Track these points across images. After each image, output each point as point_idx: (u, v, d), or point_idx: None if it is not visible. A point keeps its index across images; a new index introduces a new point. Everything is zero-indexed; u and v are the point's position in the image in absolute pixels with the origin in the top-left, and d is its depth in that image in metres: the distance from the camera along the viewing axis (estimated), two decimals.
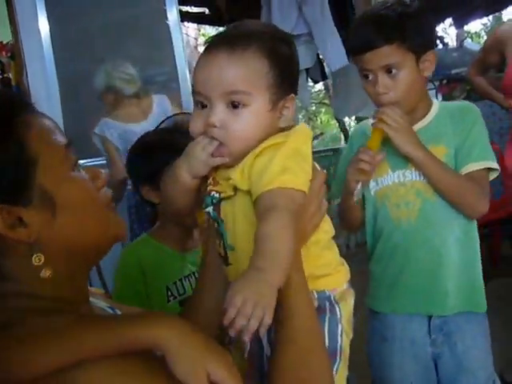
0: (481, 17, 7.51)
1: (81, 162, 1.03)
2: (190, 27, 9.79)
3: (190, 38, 9.41)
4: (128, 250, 1.86)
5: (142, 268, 1.73)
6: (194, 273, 1.75)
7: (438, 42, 5.06)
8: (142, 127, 3.40)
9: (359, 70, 1.71)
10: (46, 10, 3.62)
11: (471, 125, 1.67)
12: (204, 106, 1.02)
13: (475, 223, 1.73)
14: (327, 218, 1.12)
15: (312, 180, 1.02)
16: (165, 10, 3.88)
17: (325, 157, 6.80)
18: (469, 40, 10.93)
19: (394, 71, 1.61)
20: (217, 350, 0.85)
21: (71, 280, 0.99)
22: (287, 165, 0.97)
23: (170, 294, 1.73)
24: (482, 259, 1.77)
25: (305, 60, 5.46)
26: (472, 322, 1.72)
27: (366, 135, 1.74)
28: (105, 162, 3.37)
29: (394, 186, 1.71)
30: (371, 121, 1.73)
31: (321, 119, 15.21)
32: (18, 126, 0.91)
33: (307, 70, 5.83)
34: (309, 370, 0.97)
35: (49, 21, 3.62)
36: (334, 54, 5.12)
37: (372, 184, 1.74)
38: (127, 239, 2.31)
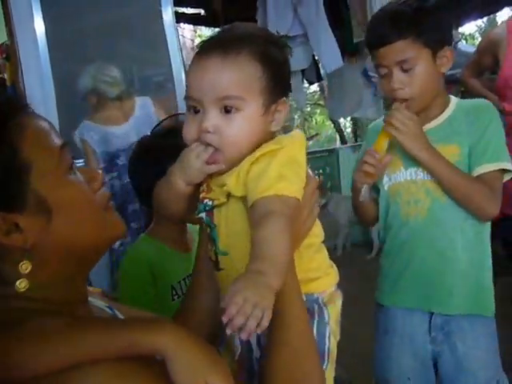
0: (475, 19, 7.52)
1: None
2: (186, 28, 9.78)
3: (186, 39, 9.40)
4: (135, 250, 1.84)
5: (151, 269, 1.72)
6: None
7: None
8: (122, 130, 3.43)
9: (375, 67, 1.70)
10: (42, 11, 3.61)
11: (486, 124, 1.65)
12: (197, 111, 1.02)
13: (487, 225, 1.71)
14: (318, 223, 1.13)
15: (305, 186, 1.02)
16: (160, 11, 3.89)
17: (320, 157, 6.81)
18: (463, 42, 10.99)
19: (409, 66, 1.60)
20: (217, 361, 0.86)
21: (70, 282, 0.99)
22: (283, 172, 0.97)
23: (174, 293, 1.73)
24: None
25: (300, 61, 5.48)
26: (475, 323, 1.71)
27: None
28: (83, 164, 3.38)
29: (405, 183, 1.71)
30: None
31: (316, 120, 15.23)
32: (12, 130, 0.90)
33: (303, 71, 5.85)
34: (301, 372, 0.98)
35: (44, 21, 3.61)
36: (329, 56, 5.14)
37: (385, 179, 1.75)
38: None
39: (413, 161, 1.68)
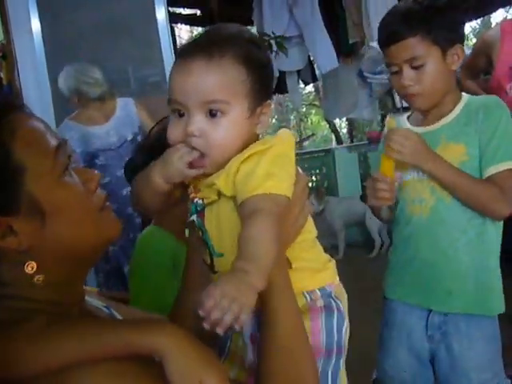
0: (469, 20, 7.55)
1: None
2: (183, 29, 9.79)
3: (182, 39, 9.39)
4: (157, 239, 1.84)
5: (174, 260, 1.73)
6: None
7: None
8: (103, 130, 3.45)
9: (386, 65, 1.72)
10: (38, 10, 3.62)
11: (497, 122, 1.63)
12: (181, 115, 1.01)
13: (493, 226, 1.69)
14: (310, 219, 1.13)
15: (295, 184, 1.02)
16: (154, 10, 3.90)
17: (317, 157, 6.82)
18: None
19: (418, 64, 1.61)
20: (212, 361, 0.87)
21: (67, 283, 0.99)
22: (272, 171, 0.97)
23: None
24: None
25: (296, 62, 5.50)
26: (473, 325, 1.70)
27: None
28: None
29: (412, 181, 1.71)
30: (404, 117, 1.77)
31: (311, 120, 15.25)
32: (4, 131, 0.90)
33: (298, 71, 5.87)
34: (296, 372, 0.98)
35: (40, 21, 3.63)
36: (325, 57, 5.15)
37: (397, 175, 1.74)
38: None
39: None
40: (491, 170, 1.61)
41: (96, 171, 1.05)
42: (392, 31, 1.64)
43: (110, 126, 3.46)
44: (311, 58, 5.84)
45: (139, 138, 3.52)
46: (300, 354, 1.00)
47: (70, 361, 0.82)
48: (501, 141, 1.62)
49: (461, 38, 1.69)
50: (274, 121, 14.37)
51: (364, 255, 5.78)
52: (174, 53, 4.16)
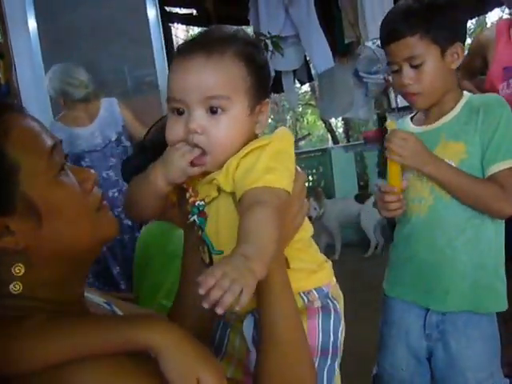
0: None
1: None
2: (179, 29, 9.77)
3: (178, 39, 9.39)
4: (166, 228, 1.84)
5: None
6: None
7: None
8: (87, 131, 3.46)
9: (388, 63, 1.72)
10: (35, 10, 3.63)
11: (498, 121, 1.62)
12: (180, 113, 1.01)
13: (492, 225, 1.69)
14: (305, 218, 1.13)
15: (294, 181, 1.01)
16: (145, 9, 3.91)
17: (313, 157, 6.83)
18: None
19: (417, 62, 1.61)
20: (209, 359, 0.87)
21: (65, 282, 0.99)
22: (272, 165, 0.97)
23: None
24: None
25: (292, 61, 5.50)
26: (472, 324, 1.70)
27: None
28: None
29: (413, 179, 1.72)
30: (408, 119, 1.79)
31: (307, 120, 15.24)
32: None
33: (294, 71, 5.87)
34: (293, 374, 0.99)
35: (37, 20, 3.64)
36: (320, 56, 5.15)
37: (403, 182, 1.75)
38: None
39: None
40: (493, 169, 1.61)
41: (92, 170, 1.05)
42: (392, 29, 1.64)
43: (95, 127, 3.48)
44: (307, 58, 5.84)
45: (123, 138, 3.54)
46: (298, 354, 1.00)
47: (68, 357, 0.82)
48: (502, 139, 1.61)
49: (462, 37, 1.68)
50: (270, 120, 14.36)
51: (359, 255, 5.79)
52: (169, 52, 4.17)
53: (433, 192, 1.68)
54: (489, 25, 9.85)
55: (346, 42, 5.48)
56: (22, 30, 3.58)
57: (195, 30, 11.91)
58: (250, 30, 5.45)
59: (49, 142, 0.95)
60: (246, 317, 1.08)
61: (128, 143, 3.56)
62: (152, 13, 3.90)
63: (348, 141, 11.60)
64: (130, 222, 3.41)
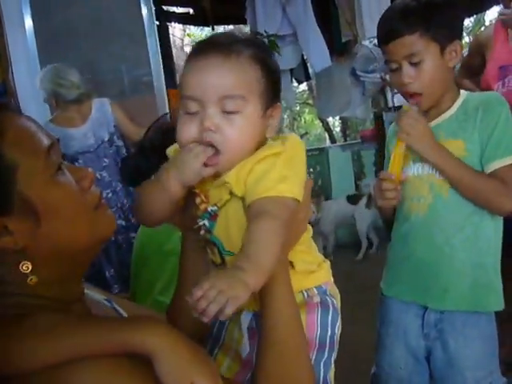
0: None
1: None
2: (176, 28, 9.77)
3: (175, 38, 9.39)
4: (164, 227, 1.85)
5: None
6: None
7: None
8: (80, 132, 3.47)
9: (386, 62, 1.71)
10: (31, 8, 3.63)
11: (497, 118, 1.63)
12: (193, 113, 1.01)
13: (491, 223, 1.69)
14: None
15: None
16: (139, 7, 3.91)
17: (311, 156, 6.81)
18: None
19: (417, 60, 1.61)
20: (204, 362, 0.88)
21: (65, 281, 0.99)
22: (285, 173, 0.98)
23: None
24: None
25: (290, 60, 5.50)
26: (470, 323, 1.70)
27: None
28: None
29: (412, 178, 1.72)
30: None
31: (305, 119, 15.22)
32: None
33: (291, 70, 5.86)
34: (290, 375, 1.00)
35: (33, 19, 3.64)
36: (318, 55, 5.15)
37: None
38: None
39: None
40: (493, 166, 1.62)
41: (90, 169, 1.05)
42: (391, 28, 1.64)
43: (87, 128, 3.49)
44: (304, 57, 5.84)
45: (115, 138, 3.54)
46: (298, 356, 1.01)
47: (67, 358, 0.82)
48: (501, 136, 1.62)
49: (460, 34, 1.69)
50: None
51: (352, 256, 5.80)
52: (166, 51, 4.18)
53: (432, 190, 1.68)
54: (487, 23, 9.85)
55: (343, 40, 5.49)
56: (18, 30, 3.57)
57: (192, 29, 11.92)
58: (247, 29, 5.45)
59: (45, 142, 0.95)
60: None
61: (120, 143, 3.57)
62: (145, 11, 3.90)
63: (345, 140, 11.59)
64: (123, 223, 3.41)
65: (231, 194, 1.02)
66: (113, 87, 4.08)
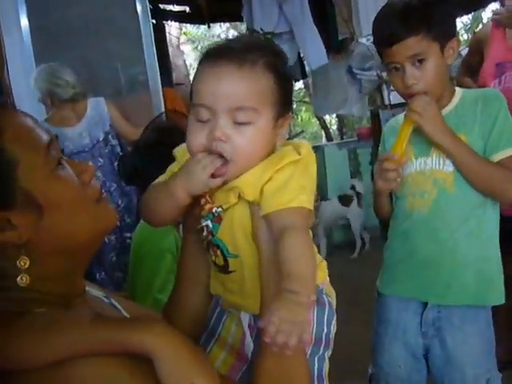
0: (460, 15, 7.56)
1: None
2: (173, 26, 9.75)
3: (172, 36, 9.37)
4: (159, 236, 1.88)
5: (176, 246, 1.80)
6: None
7: None
8: (75, 131, 3.46)
9: (385, 63, 1.70)
10: (27, 7, 3.62)
11: (497, 112, 1.65)
12: (204, 121, 1.00)
13: (493, 214, 1.71)
14: None
15: None
16: (135, 7, 3.91)
17: None
18: None
19: (421, 61, 1.61)
20: (204, 363, 0.88)
21: (66, 275, 1.00)
22: (304, 183, 1.00)
23: None
24: None
25: None
26: (468, 319, 1.71)
27: (396, 130, 1.75)
28: None
29: (414, 174, 1.72)
30: (401, 116, 1.77)
31: (301, 117, 15.22)
32: None
33: None
34: (285, 366, 1.00)
35: (29, 18, 3.63)
36: (314, 53, 5.15)
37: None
38: None
39: (423, 150, 1.70)
40: (496, 157, 1.64)
41: (90, 163, 1.05)
42: (392, 32, 1.62)
43: (82, 127, 3.48)
44: (301, 55, 5.84)
45: (110, 137, 3.53)
46: (296, 357, 1.01)
47: (65, 355, 0.83)
48: (503, 128, 1.64)
49: (455, 31, 1.70)
50: None
51: (346, 255, 5.81)
52: (160, 49, 4.17)
53: (436, 184, 1.69)
54: (485, 20, 9.85)
55: (340, 38, 5.49)
56: (14, 28, 3.56)
57: (188, 28, 11.90)
58: (243, 26, 5.45)
59: (45, 137, 0.96)
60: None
61: (115, 142, 3.57)
62: (140, 9, 3.89)
63: (341, 138, 11.59)
64: (118, 223, 3.40)
65: (239, 197, 1.02)
66: (108, 86, 4.08)
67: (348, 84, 5.63)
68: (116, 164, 3.37)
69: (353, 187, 5.87)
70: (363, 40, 4.77)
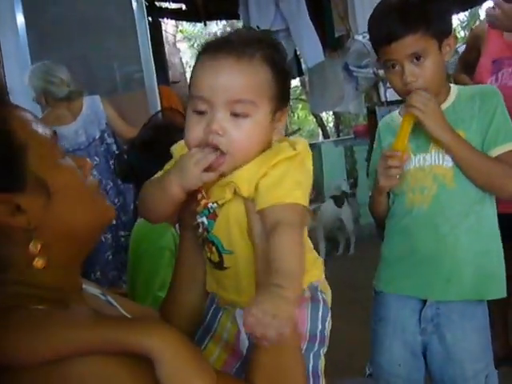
0: (457, 12, 7.56)
1: None
2: (169, 24, 9.75)
3: (168, 34, 9.36)
4: (158, 234, 1.88)
5: (174, 244, 1.80)
6: None
7: None
8: (71, 129, 3.44)
9: (382, 62, 1.69)
10: (22, 5, 3.61)
11: (494, 108, 1.65)
12: (201, 113, 1.01)
13: (491, 209, 1.72)
14: None
15: None
16: (131, 5, 3.90)
17: None
18: None
19: (420, 59, 1.60)
20: (203, 365, 0.88)
21: (65, 268, 1.00)
22: (299, 179, 1.00)
23: None
24: None
25: None
26: (466, 315, 1.71)
27: (392, 127, 1.76)
28: None
29: (413, 170, 1.72)
30: (396, 113, 1.76)
31: (298, 115, 15.25)
32: (3, 114, 0.91)
33: None
34: (280, 362, 1.00)
35: (25, 15, 3.61)
36: (311, 50, 5.16)
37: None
38: None
39: (422, 146, 1.70)
40: (495, 152, 1.64)
41: (88, 159, 1.07)
42: (391, 30, 1.61)
43: (78, 125, 3.46)
44: (297, 52, 5.84)
45: (106, 136, 3.52)
46: (290, 345, 1.01)
47: (64, 353, 0.82)
48: (501, 124, 1.65)
49: (452, 28, 1.70)
50: None
51: (335, 253, 5.87)
52: (156, 46, 4.16)
53: (436, 180, 1.68)
54: (482, 17, 9.86)
55: (336, 35, 5.49)
56: (10, 26, 3.54)
57: (185, 25, 11.89)
58: (239, 24, 5.44)
59: (49, 131, 0.98)
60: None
61: (111, 140, 3.55)
62: (136, 6, 3.89)
63: (338, 135, 11.62)
64: (113, 221, 3.40)
65: (235, 193, 1.02)
66: (104, 84, 4.07)
67: (344, 81, 5.62)
68: (112, 162, 3.37)
69: (339, 187, 5.89)
70: (359, 37, 4.76)
